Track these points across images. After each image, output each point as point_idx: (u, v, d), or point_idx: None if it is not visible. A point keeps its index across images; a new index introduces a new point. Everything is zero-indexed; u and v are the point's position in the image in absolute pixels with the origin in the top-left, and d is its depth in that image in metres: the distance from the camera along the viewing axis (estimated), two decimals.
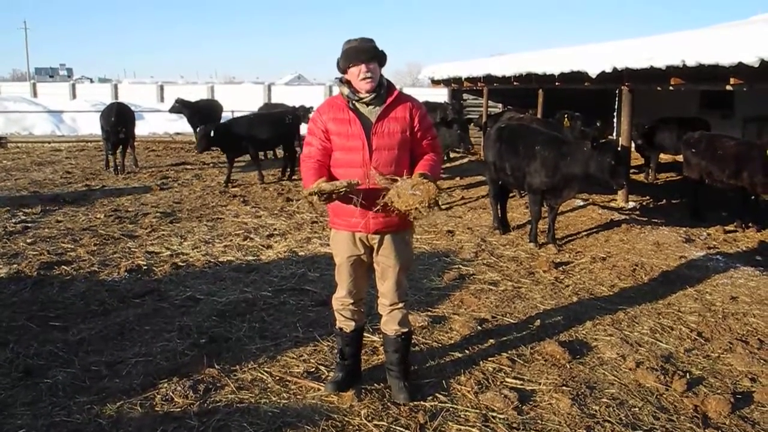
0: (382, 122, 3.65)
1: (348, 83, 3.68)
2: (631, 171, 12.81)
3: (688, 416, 3.85)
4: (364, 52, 3.59)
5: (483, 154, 9.83)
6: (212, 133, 11.81)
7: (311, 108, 14.46)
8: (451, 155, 15.93)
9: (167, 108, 19.06)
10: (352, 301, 3.95)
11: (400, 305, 3.93)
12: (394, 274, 3.84)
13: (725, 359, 4.67)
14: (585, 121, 11.31)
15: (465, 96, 19.62)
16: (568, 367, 4.46)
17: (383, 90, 3.69)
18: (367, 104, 3.68)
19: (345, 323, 4.03)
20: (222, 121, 14.73)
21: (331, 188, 3.46)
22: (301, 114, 14.58)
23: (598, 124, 11.38)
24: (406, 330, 4.01)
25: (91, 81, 59.92)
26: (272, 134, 12.76)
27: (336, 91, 3.86)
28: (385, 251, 3.79)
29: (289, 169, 13.04)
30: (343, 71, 3.69)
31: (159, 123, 23.00)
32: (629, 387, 4.20)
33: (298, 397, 3.99)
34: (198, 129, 12.06)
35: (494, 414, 3.82)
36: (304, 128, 14.81)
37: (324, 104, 3.83)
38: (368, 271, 4.00)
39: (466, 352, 4.67)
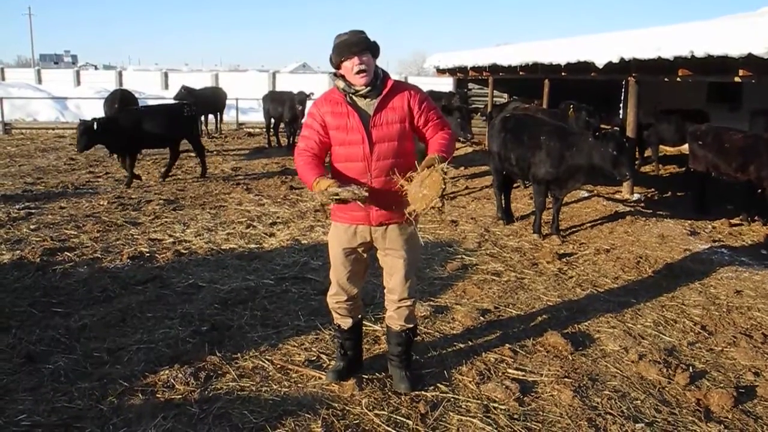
0: (380, 114, 3.58)
1: (343, 77, 3.60)
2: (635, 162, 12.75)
3: (691, 410, 3.84)
4: (356, 45, 3.50)
5: (487, 144, 9.78)
6: (95, 127, 10.03)
7: (311, 94, 14.44)
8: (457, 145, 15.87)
9: (171, 95, 19.01)
10: (346, 298, 3.91)
11: (409, 302, 3.88)
12: (401, 269, 3.78)
13: (729, 353, 4.64)
14: (590, 112, 11.22)
15: (470, 86, 19.54)
16: (571, 358, 4.45)
17: (379, 81, 3.60)
18: (364, 97, 3.60)
19: (342, 320, 4.01)
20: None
21: (350, 197, 3.34)
22: (299, 100, 14.54)
23: (601, 116, 11.22)
24: (411, 326, 3.97)
25: (96, 68, 59.96)
26: (168, 129, 10.93)
27: None
28: (392, 243, 3.74)
29: (200, 166, 11.71)
30: (337, 66, 3.60)
31: None
32: (631, 380, 4.18)
33: (299, 385, 3.99)
34: (78, 123, 10.34)
35: (495, 405, 3.81)
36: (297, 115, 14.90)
37: (321, 98, 3.75)
38: (364, 268, 3.95)
39: (468, 342, 4.66)
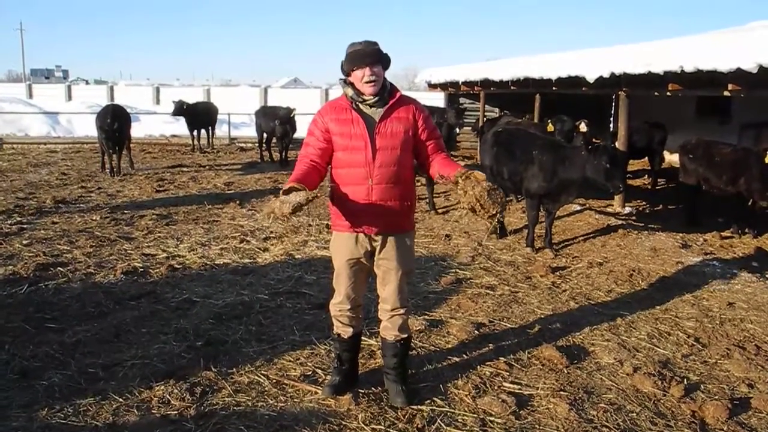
0: (385, 122, 3.67)
1: (352, 85, 3.70)
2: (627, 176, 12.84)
3: (686, 422, 3.85)
4: (369, 56, 3.61)
5: (479, 159, 9.83)
6: None
7: (294, 109, 14.67)
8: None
9: (163, 110, 19.03)
10: (349, 306, 3.93)
11: (402, 311, 3.91)
12: (395, 278, 3.83)
13: (722, 365, 4.67)
14: (565, 122, 10.95)
15: (462, 100, 19.65)
16: (566, 372, 4.46)
17: (386, 93, 3.71)
18: (371, 105, 3.70)
19: (343, 329, 4.01)
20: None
21: (303, 200, 3.41)
22: (280, 116, 14.61)
23: (583, 129, 10.53)
24: (405, 336, 3.99)
25: (87, 83, 59.80)
26: None
27: (333, 94, 3.86)
28: (387, 253, 3.79)
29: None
30: (347, 74, 3.70)
31: (155, 125, 22.92)
32: (627, 392, 4.19)
33: (295, 400, 3.98)
34: None
35: (492, 418, 3.81)
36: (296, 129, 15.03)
37: (326, 106, 3.84)
38: (367, 276, 3.99)
39: (464, 356, 4.66)
